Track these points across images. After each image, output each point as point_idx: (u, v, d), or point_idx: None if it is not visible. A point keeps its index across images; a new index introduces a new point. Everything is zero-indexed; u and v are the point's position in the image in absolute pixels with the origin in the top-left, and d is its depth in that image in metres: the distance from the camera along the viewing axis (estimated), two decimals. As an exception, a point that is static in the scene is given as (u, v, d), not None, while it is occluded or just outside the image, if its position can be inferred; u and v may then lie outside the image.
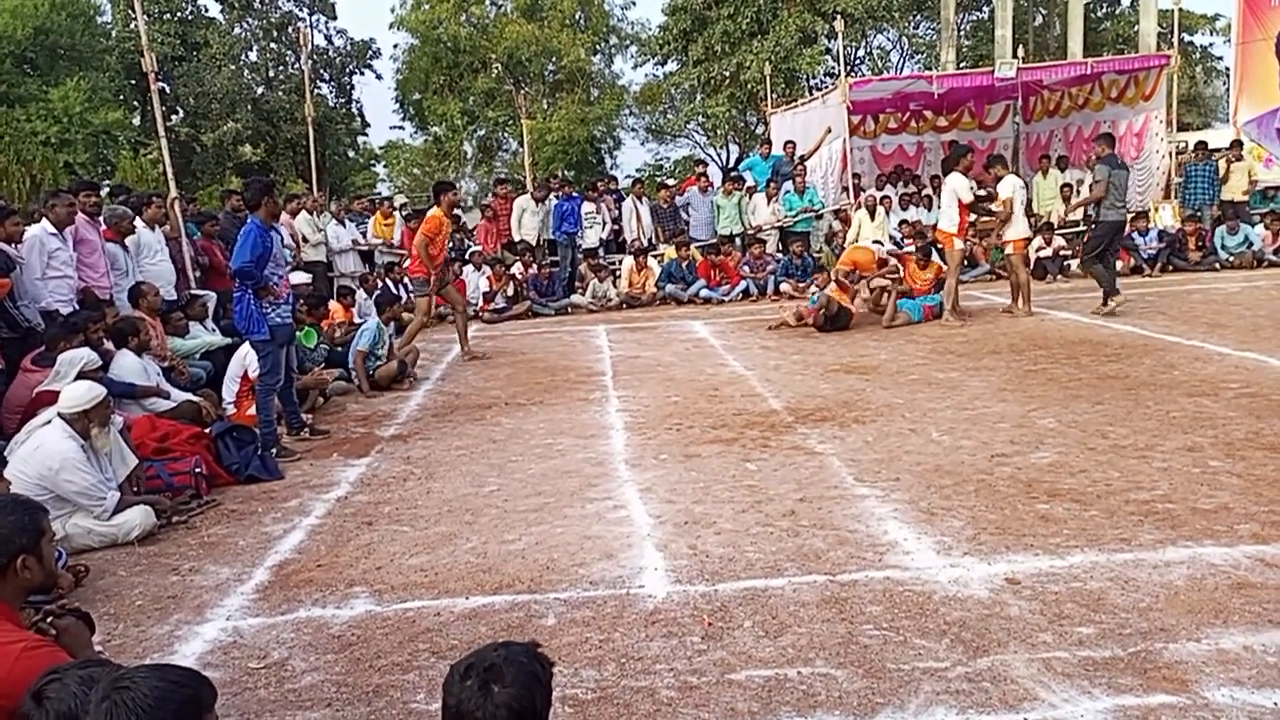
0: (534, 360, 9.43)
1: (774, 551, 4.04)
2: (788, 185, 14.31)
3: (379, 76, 33.38)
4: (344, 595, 3.87)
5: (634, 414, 6.82)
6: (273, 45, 30.66)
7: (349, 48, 31.89)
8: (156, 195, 8.88)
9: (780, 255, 13.78)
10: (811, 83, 27.64)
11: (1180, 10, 15.65)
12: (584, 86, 32.75)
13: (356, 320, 10.90)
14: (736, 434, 6.04)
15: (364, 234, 13.72)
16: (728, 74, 26.86)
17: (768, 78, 19.85)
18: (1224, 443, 5.18)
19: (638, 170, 33.07)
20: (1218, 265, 13.17)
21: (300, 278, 9.72)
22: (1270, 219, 13.68)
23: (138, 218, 8.12)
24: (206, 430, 5.98)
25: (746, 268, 13.55)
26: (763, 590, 3.67)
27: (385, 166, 38.55)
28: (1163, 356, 7.62)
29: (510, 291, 12.93)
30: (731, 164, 29.76)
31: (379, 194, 17.07)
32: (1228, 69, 20.62)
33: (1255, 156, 14.99)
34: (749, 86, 25.89)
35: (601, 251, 14.17)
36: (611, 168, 33.23)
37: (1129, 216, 13.99)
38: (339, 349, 8.96)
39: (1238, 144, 14.65)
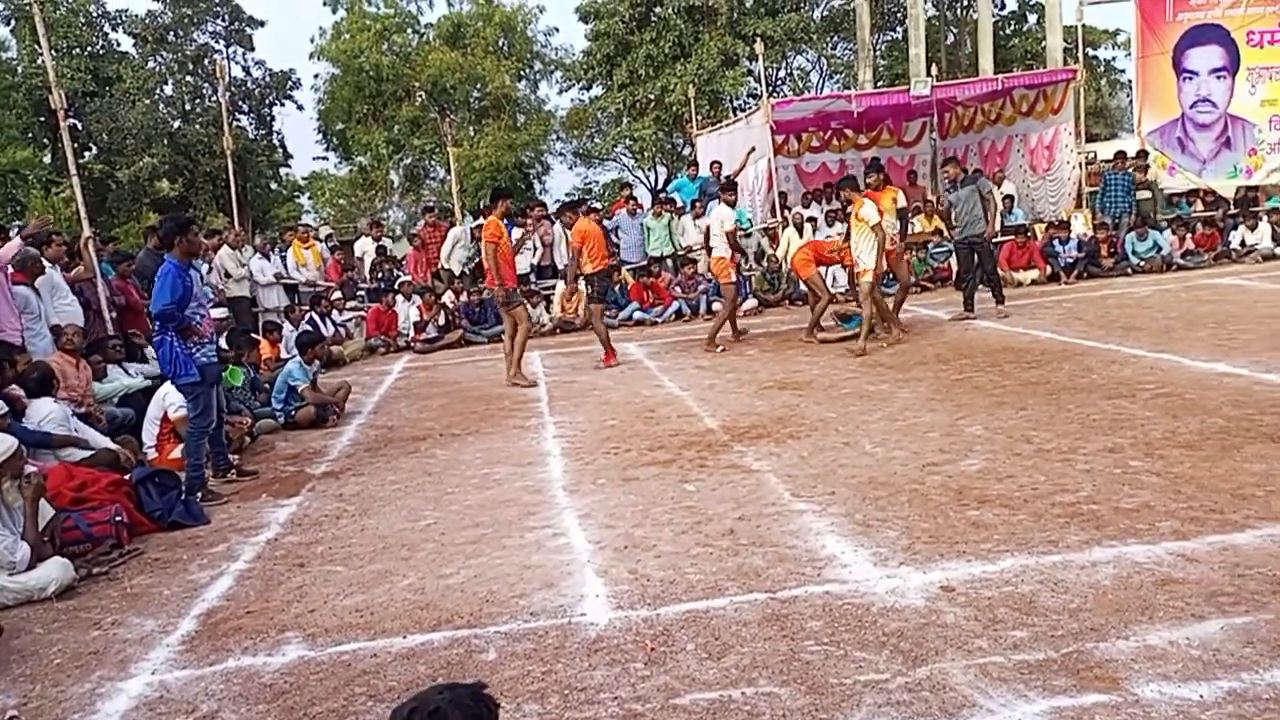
0: (468, 389, 9.33)
1: (714, 572, 4.05)
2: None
3: (300, 107, 32.89)
4: (275, 642, 3.76)
5: (571, 439, 6.79)
6: (189, 78, 30.00)
7: (268, 79, 31.37)
8: (56, 233, 8.57)
9: (711, 275, 13.89)
10: (735, 104, 28.07)
11: (1084, 27, 16.31)
12: (510, 112, 32.75)
13: (284, 355, 10.68)
14: (674, 455, 6.05)
15: (287, 266, 13.52)
16: (652, 97, 27.13)
17: (692, 100, 20.10)
18: (1143, 443, 5.35)
19: (567, 194, 33.13)
20: (1129, 270, 13.68)
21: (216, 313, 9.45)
22: (1177, 224, 14.29)
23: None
24: (127, 477, 5.77)
25: (678, 288, 13.64)
26: (704, 612, 3.67)
27: (310, 198, 37.93)
28: (1081, 361, 7.87)
29: (442, 320, 12.81)
30: (660, 186, 30.01)
31: (305, 225, 16.77)
32: (1130, 82, 21.50)
33: (1160, 165, 15.65)
34: (674, 109, 26.19)
35: (534, 277, 14.13)
36: (540, 193, 33.26)
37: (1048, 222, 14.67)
38: (267, 385, 8.77)
39: (1143, 153, 15.28)
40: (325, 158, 35.59)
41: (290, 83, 31.54)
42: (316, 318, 11.96)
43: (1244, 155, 15.77)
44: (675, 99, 25.57)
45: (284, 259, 13.66)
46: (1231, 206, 15.66)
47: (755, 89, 25.78)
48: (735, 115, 22.23)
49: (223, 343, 8.72)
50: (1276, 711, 2.70)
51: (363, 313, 13.42)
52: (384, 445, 7.20)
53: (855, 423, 6.47)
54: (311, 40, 32.54)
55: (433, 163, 33.39)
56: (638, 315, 13.23)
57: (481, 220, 14.00)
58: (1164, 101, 15.81)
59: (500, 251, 9.04)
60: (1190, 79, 15.72)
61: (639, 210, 15.16)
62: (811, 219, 14.86)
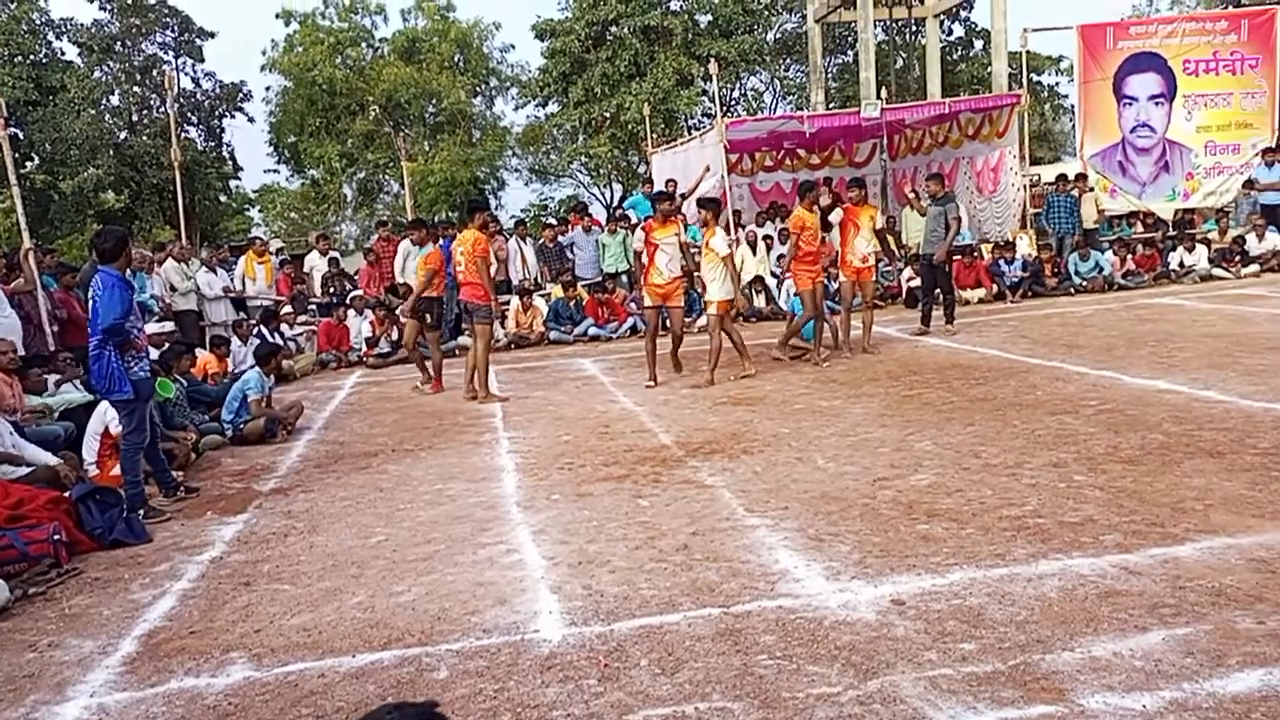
0: (421, 405, 9.24)
1: (668, 587, 4.04)
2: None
3: (251, 119, 32.42)
4: (220, 662, 3.67)
5: (525, 455, 6.75)
6: (136, 89, 29.39)
7: (218, 90, 30.89)
8: None
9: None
10: (690, 123, 28.30)
11: (1028, 53, 16.71)
12: (465, 128, 32.66)
13: (233, 370, 10.49)
14: (628, 470, 6.05)
15: (234, 278, 13.32)
16: (608, 115, 27.26)
17: (647, 118, 20.23)
18: (1086, 458, 5.47)
19: (522, 210, 33.09)
20: (1072, 290, 14.02)
21: (154, 328, 9.23)
22: (1118, 245, 14.70)
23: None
24: (66, 494, 5.61)
25: (633, 304, 13.67)
26: (658, 627, 3.66)
27: (260, 211, 37.36)
28: (1026, 378, 8.03)
29: (395, 335, 12.68)
30: (616, 203, 30.10)
31: (259, 238, 16.60)
32: (1073, 106, 22.11)
33: (1101, 187, 16.10)
34: (629, 127, 26.33)
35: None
36: (496, 208, 33.15)
37: (994, 244, 15.01)
38: (208, 399, 8.60)
39: (1082, 176, 15.69)
40: (276, 170, 35.17)
41: (241, 94, 31.08)
42: (266, 332, 11.76)
43: (1182, 179, 16.30)
44: (631, 117, 25.71)
45: (231, 272, 13.44)
46: (1170, 228, 16.14)
47: (709, 108, 26.04)
48: (690, 134, 22.44)
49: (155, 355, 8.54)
50: None
51: (314, 327, 13.23)
52: (334, 461, 7.09)
53: (808, 438, 6.53)
54: (263, 53, 32.13)
55: (387, 177, 33.14)
56: (593, 331, 13.23)
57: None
58: (1105, 126, 16.29)
59: (487, 264, 9.04)
60: (1130, 105, 16.22)
61: (594, 227, 15.19)
62: (767, 237, 15.03)
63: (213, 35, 30.35)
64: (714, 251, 8.90)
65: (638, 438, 6.99)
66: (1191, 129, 16.20)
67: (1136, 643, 3.24)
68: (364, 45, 32.58)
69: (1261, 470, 4.96)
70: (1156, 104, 16.19)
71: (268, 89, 32.78)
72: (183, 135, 27.89)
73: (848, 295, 10.32)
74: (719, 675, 3.24)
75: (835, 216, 10.00)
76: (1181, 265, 14.45)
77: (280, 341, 12.00)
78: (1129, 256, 14.48)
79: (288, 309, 13.35)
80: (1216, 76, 16.18)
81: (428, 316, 9.76)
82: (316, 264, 15.03)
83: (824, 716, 2.93)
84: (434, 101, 31.88)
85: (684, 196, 15.19)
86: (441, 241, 13.74)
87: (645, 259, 9.13)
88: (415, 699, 3.14)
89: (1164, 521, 4.34)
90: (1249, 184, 15.57)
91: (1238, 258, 14.44)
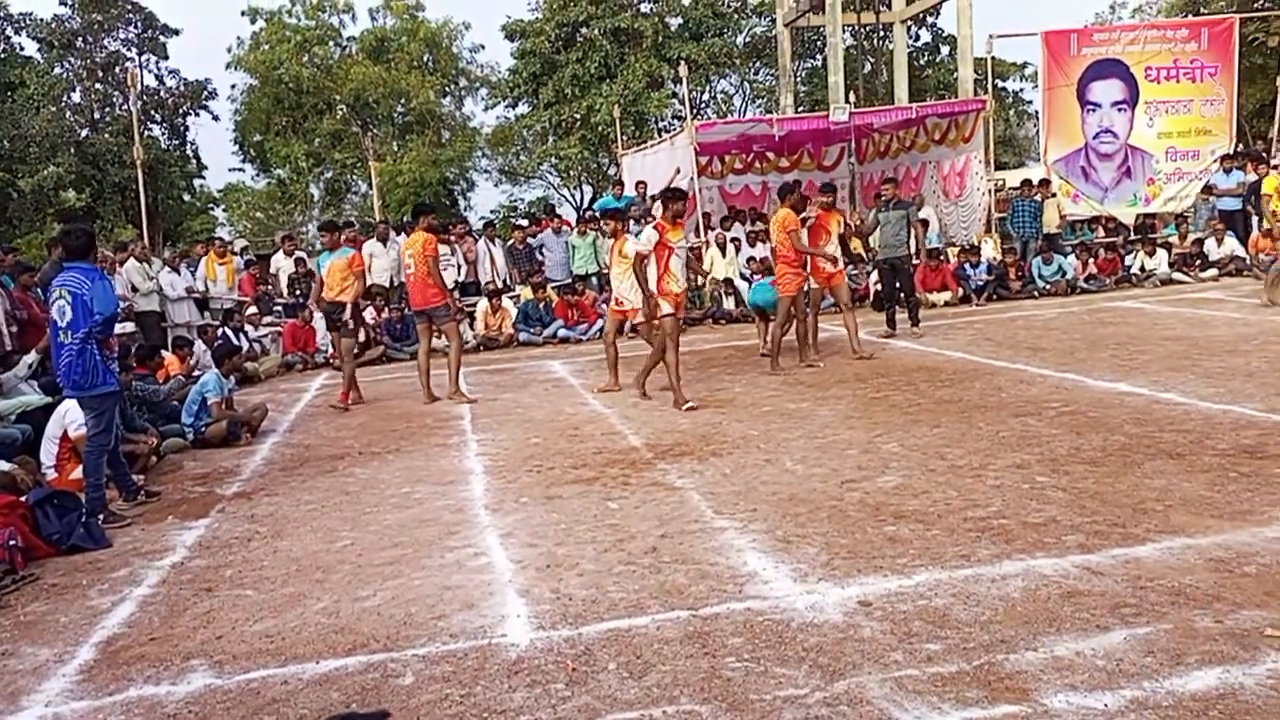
0: (389, 406, 9.16)
1: (637, 590, 4.04)
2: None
3: (216, 118, 31.96)
4: (180, 670, 3.61)
5: (494, 457, 6.71)
6: (98, 86, 28.88)
7: (182, 88, 30.43)
8: None
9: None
10: (660, 125, 28.33)
11: (993, 59, 16.92)
12: (434, 128, 32.44)
13: (197, 373, 10.33)
14: (597, 473, 6.03)
15: (196, 278, 13.14)
16: (578, 116, 27.22)
17: (617, 120, 20.23)
18: (1049, 459, 5.54)
19: (492, 212, 32.93)
20: (1036, 293, 14.21)
21: (116, 328, 9.03)
22: (1080, 250, 14.92)
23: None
24: (23, 499, 5.49)
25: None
26: (626, 630, 3.65)
27: (225, 210, 36.85)
28: (991, 380, 8.12)
29: (362, 337, 12.55)
30: (586, 204, 30.05)
31: (219, 238, 16.39)
32: (1037, 112, 22.38)
33: (1064, 192, 16.32)
34: (599, 129, 26.31)
35: (457, 294, 13.98)
36: (465, 209, 33.01)
37: (960, 247, 15.18)
38: (176, 404, 8.45)
39: (1046, 181, 15.90)
40: (241, 170, 34.73)
41: (206, 92, 30.63)
42: (230, 333, 11.61)
43: (1143, 184, 16.55)
44: (601, 119, 25.70)
45: (194, 271, 13.26)
46: (1131, 233, 16.41)
47: (679, 111, 26.08)
48: (660, 136, 22.45)
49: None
50: (1176, 718, 2.80)
51: (279, 328, 13.08)
52: (300, 464, 7.01)
53: (776, 440, 6.55)
54: (228, 50, 31.71)
55: (355, 177, 32.83)
56: (562, 333, 13.21)
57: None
58: (1068, 132, 16.50)
59: (438, 265, 8.98)
60: (1093, 111, 16.45)
61: (564, 229, 15.16)
62: (735, 239, 15.09)
63: (177, 32, 29.92)
64: (625, 258, 8.44)
65: (607, 440, 6.98)
66: (1153, 135, 16.46)
67: (1098, 642, 3.28)
68: (331, 44, 32.27)
69: (1220, 471, 5.05)
70: (1119, 110, 16.44)
71: (233, 87, 32.40)
72: (145, 133, 27.46)
73: (817, 300, 10.42)
74: (687, 678, 3.24)
75: (811, 210, 10.07)
76: (1142, 269, 14.69)
77: (245, 342, 11.87)
78: (1091, 260, 14.70)
79: (252, 310, 13.19)
80: (1177, 84, 16.45)
81: (351, 323, 9.49)
82: (282, 265, 14.85)
83: (791, 718, 2.94)
84: (402, 101, 31.65)
85: (654, 199, 15.21)
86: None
87: (658, 263, 8.14)
88: (378, 705, 3.12)
89: (1125, 522, 4.40)
90: (1207, 190, 15.86)
91: (1197, 262, 14.70)
